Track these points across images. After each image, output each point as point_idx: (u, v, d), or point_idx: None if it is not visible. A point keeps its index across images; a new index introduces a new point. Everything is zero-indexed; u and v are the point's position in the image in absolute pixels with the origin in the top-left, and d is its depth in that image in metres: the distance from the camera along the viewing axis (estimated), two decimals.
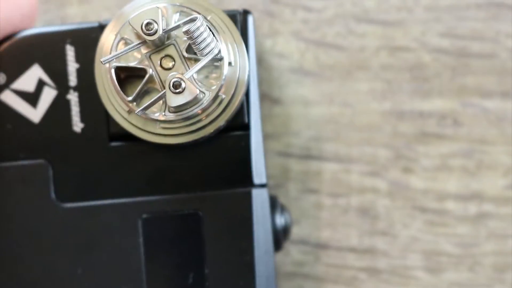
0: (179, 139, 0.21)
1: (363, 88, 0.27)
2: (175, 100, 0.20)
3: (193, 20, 0.20)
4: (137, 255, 0.21)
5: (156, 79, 0.20)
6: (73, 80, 0.22)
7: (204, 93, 0.20)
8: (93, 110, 0.22)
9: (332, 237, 0.27)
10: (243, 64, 0.21)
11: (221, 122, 0.21)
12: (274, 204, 0.24)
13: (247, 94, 0.21)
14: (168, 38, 0.20)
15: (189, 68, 0.20)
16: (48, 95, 0.22)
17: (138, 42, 0.20)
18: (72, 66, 0.22)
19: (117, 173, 0.22)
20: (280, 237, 0.24)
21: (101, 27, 0.22)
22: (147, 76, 0.20)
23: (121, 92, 0.20)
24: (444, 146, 0.27)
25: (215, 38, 0.20)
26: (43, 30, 0.22)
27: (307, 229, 0.27)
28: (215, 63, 0.20)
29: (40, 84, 0.22)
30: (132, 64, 0.20)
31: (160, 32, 0.20)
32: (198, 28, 0.19)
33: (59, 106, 0.22)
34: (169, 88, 0.20)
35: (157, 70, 0.20)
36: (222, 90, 0.20)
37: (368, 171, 0.27)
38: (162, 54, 0.20)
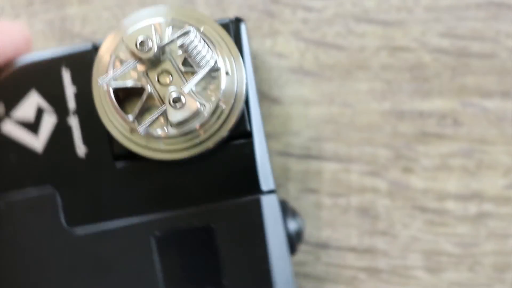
0: (183, 153, 0.21)
1: (363, 88, 0.27)
2: (177, 115, 0.20)
3: (186, 33, 0.20)
4: (154, 273, 0.21)
5: (155, 96, 0.20)
6: (71, 104, 0.22)
7: (204, 105, 0.20)
8: (95, 132, 0.21)
9: (332, 237, 0.27)
10: (239, 72, 0.21)
11: (223, 132, 0.21)
12: (285, 209, 0.23)
13: (246, 101, 0.21)
14: (163, 53, 0.20)
15: (187, 82, 0.20)
16: (49, 121, 0.22)
17: (134, 60, 0.20)
18: (70, 90, 0.22)
19: (125, 192, 0.22)
20: (294, 240, 0.23)
21: (95, 48, 0.22)
22: (145, 94, 0.20)
23: (122, 112, 0.20)
24: (444, 146, 0.27)
25: (210, 49, 0.20)
26: (37, 57, 0.22)
27: (307, 228, 0.27)
28: (212, 74, 0.20)
29: (40, 111, 0.22)
30: (130, 83, 0.20)
31: (155, 49, 0.20)
32: (192, 41, 0.19)
33: (61, 132, 0.22)
34: (169, 103, 0.19)
35: (155, 86, 0.20)
36: (222, 100, 0.20)
37: (368, 171, 0.27)
38: (159, 70, 0.20)
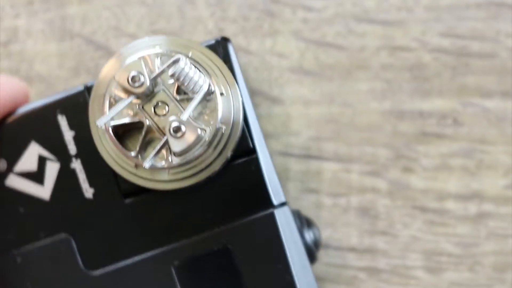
0: (190, 180, 0.21)
1: (363, 88, 0.27)
2: (179, 145, 0.19)
3: (176, 61, 0.20)
4: None
5: (154, 128, 0.20)
6: (72, 148, 0.22)
7: (204, 130, 0.20)
8: (99, 173, 0.21)
9: (332, 237, 0.27)
10: (234, 91, 0.21)
11: (227, 153, 0.21)
12: (299, 218, 0.23)
13: (245, 118, 0.21)
14: (156, 84, 0.20)
15: (184, 109, 0.20)
16: (52, 168, 0.22)
17: (129, 96, 0.20)
18: (68, 135, 0.22)
19: (138, 227, 0.21)
20: (312, 249, 0.24)
21: (87, 89, 0.22)
22: (145, 128, 0.20)
23: (124, 149, 0.20)
24: (444, 146, 0.27)
25: (201, 73, 0.20)
26: (30, 107, 0.22)
27: None
28: (207, 97, 0.20)
29: (42, 160, 0.22)
30: (128, 119, 0.20)
31: (147, 82, 0.20)
32: (183, 69, 0.19)
33: (66, 177, 0.22)
34: (170, 134, 0.19)
35: (153, 119, 0.20)
36: (221, 121, 0.20)
37: (368, 170, 0.27)
38: (154, 102, 0.20)
